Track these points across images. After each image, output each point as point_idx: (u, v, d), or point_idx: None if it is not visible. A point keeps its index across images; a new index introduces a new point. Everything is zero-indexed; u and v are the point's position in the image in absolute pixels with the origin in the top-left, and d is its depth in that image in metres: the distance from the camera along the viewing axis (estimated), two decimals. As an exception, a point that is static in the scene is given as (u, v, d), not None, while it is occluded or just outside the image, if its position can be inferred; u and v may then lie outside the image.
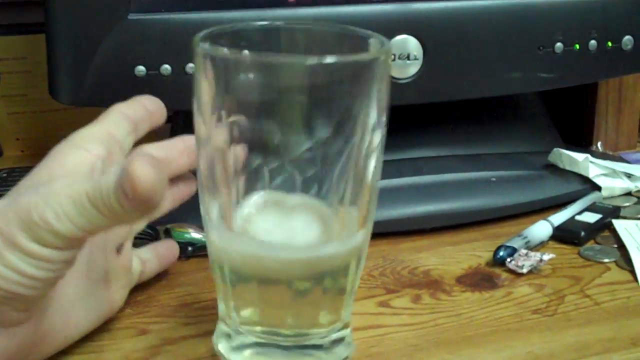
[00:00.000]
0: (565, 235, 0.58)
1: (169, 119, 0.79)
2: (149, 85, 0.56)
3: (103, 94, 0.57)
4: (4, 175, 0.70)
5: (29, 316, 0.40)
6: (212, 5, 0.58)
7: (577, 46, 0.65)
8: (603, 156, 0.70)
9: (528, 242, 0.56)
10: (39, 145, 0.75)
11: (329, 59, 0.36)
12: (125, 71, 0.56)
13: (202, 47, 0.38)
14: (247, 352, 0.42)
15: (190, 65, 0.39)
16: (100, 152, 0.44)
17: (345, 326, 0.43)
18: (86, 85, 0.56)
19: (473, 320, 0.48)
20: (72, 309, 0.43)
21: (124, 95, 0.57)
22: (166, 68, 0.56)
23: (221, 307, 0.43)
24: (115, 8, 0.55)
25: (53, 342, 0.43)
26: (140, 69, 0.56)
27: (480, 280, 0.53)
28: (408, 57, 0.61)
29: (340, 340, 0.43)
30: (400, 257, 0.56)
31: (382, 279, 0.53)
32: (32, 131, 0.76)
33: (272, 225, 0.40)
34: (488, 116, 0.71)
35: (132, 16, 0.56)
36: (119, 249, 0.47)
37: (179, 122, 0.73)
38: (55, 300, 0.42)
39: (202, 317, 0.49)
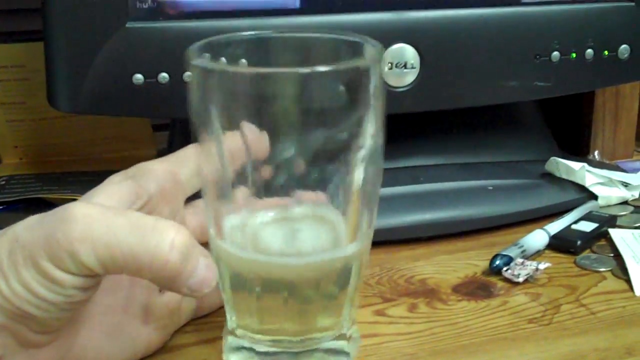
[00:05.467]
0: (561, 244, 0.58)
1: (167, 127, 0.80)
2: (147, 94, 0.56)
3: (101, 101, 0.57)
4: (3, 182, 0.70)
5: (50, 339, 0.39)
6: (210, 14, 0.58)
7: (574, 55, 0.65)
8: (600, 165, 0.71)
9: (524, 251, 0.56)
10: (37, 153, 0.75)
11: (322, 68, 0.37)
12: (123, 79, 0.56)
13: (196, 60, 0.38)
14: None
15: (189, 73, 0.39)
16: (150, 188, 0.42)
17: (352, 324, 0.44)
18: (84, 93, 0.56)
19: (469, 329, 0.48)
20: (106, 342, 0.42)
21: (121, 103, 0.57)
22: (164, 76, 0.56)
23: (232, 320, 0.43)
24: (114, 16, 0.55)
25: None
26: (138, 77, 0.56)
27: (476, 289, 0.53)
28: (405, 66, 0.61)
29: (348, 338, 0.44)
30: (396, 265, 0.57)
31: (379, 288, 0.53)
32: (30, 139, 0.76)
33: (280, 236, 0.40)
34: (485, 125, 0.71)
35: (130, 24, 0.56)
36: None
37: (177, 130, 0.74)
38: (88, 330, 0.41)
39: (205, 325, 0.49)
